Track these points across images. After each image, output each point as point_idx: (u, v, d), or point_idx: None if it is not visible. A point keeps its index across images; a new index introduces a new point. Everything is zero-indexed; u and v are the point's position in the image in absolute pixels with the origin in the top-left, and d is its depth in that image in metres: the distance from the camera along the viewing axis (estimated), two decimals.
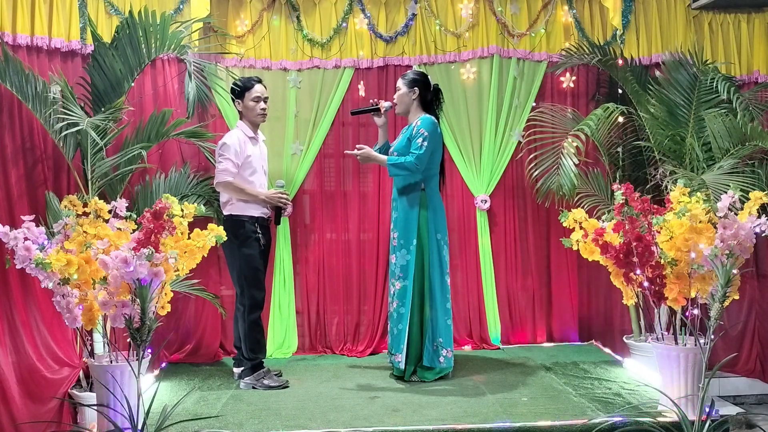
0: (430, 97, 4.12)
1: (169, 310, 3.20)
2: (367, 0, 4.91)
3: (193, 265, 3.34)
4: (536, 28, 5.01)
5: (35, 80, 4.01)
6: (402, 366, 3.99)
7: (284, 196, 4.09)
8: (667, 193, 3.81)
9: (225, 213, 4.04)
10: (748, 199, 3.16)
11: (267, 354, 4.75)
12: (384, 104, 4.19)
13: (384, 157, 4.05)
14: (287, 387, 3.95)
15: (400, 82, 4.13)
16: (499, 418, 3.28)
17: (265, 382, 3.96)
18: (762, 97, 4.88)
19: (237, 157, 3.95)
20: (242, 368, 4.07)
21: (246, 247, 3.98)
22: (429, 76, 4.18)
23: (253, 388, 3.95)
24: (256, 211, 4.03)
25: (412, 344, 4.01)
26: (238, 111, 4.14)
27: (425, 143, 3.92)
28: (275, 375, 4.05)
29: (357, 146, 4.07)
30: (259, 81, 4.11)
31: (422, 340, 4.03)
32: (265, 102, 4.11)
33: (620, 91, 4.91)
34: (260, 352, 4.05)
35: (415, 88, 4.07)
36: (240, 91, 4.06)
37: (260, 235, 4.04)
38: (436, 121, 4.06)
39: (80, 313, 3.08)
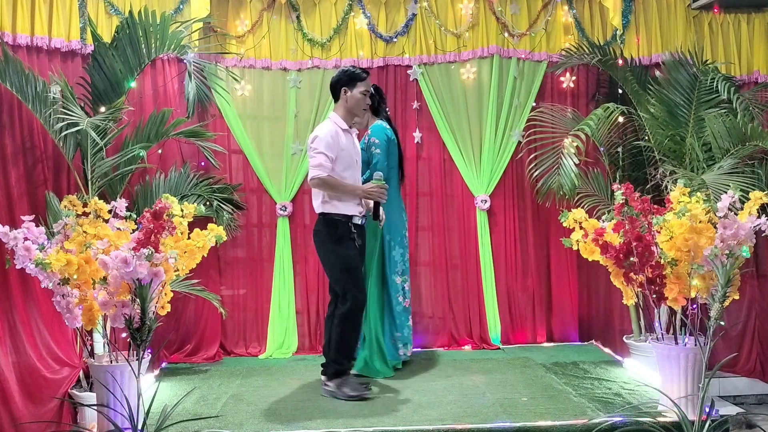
0: (376, 102, 4.16)
1: (169, 310, 3.20)
2: (367, 0, 4.91)
3: (193, 265, 3.35)
4: (536, 28, 5.01)
5: (35, 80, 4.01)
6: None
7: (384, 189, 3.75)
8: (667, 193, 3.81)
9: (318, 211, 3.76)
10: (748, 199, 3.16)
11: (267, 354, 4.78)
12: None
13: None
14: (368, 399, 3.66)
15: None
16: (499, 418, 3.28)
17: (345, 390, 3.68)
18: (762, 97, 4.88)
19: (331, 151, 3.63)
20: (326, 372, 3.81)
21: (343, 247, 3.71)
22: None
23: (334, 396, 3.69)
24: (352, 209, 3.73)
25: (372, 340, 4.14)
26: (338, 100, 3.80)
27: (378, 151, 4.09)
28: (361, 385, 3.77)
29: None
30: (369, 73, 3.86)
31: (382, 336, 4.18)
32: (369, 98, 3.87)
33: (620, 91, 4.91)
34: (351, 357, 3.82)
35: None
36: (350, 79, 3.75)
37: (356, 235, 3.75)
38: (384, 125, 4.18)
39: (80, 313, 3.08)
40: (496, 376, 4.09)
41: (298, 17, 4.87)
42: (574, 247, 3.72)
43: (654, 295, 3.30)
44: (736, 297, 3.16)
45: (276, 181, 4.89)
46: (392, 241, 4.25)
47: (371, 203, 3.80)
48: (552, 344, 5.01)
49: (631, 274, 3.35)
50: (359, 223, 3.78)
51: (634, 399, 3.57)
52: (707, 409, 3.05)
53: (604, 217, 3.78)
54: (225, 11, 4.84)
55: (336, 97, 3.80)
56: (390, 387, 3.91)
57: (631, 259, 3.28)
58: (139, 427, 2.95)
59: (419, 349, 4.90)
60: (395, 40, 4.94)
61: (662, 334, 3.46)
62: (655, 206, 3.43)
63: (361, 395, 3.65)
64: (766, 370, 4.80)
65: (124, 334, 3.09)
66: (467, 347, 4.93)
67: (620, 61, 4.83)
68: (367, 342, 4.18)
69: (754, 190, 3.26)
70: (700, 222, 3.16)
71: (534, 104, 4.99)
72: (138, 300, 2.91)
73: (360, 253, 3.84)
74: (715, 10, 4.90)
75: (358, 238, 3.78)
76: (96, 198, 3.63)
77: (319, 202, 3.73)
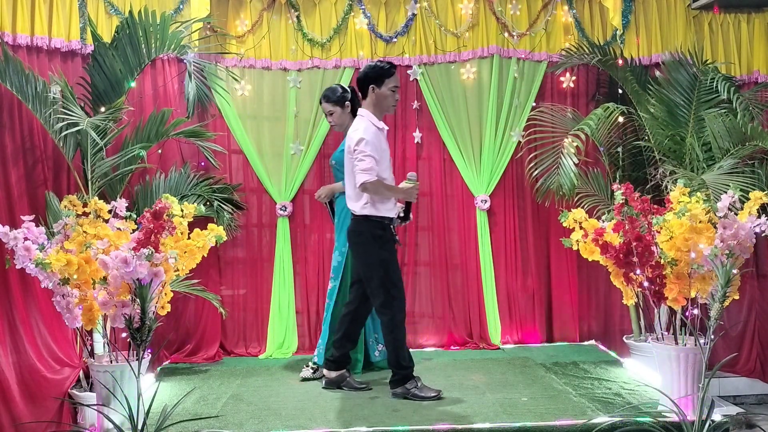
0: (354, 102, 4.09)
1: (169, 310, 3.20)
2: (367, 0, 4.91)
3: (193, 265, 3.35)
4: (536, 28, 5.01)
5: (35, 80, 4.00)
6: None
7: (417, 189, 3.72)
8: (667, 193, 3.81)
9: (359, 213, 3.64)
10: (748, 199, 3.16)
11: (267, 354, 4.78)
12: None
13: (339, 184, 4.08)
14: (441, 398, 3.62)
15: (329, 106, 4.06)
16: (499, 418, 3.28)
17: (416, 392, 3.63)
18: (762, 97, 4.87)
19: (376, 152, 3.54)
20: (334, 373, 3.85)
21: (385, 250, 3.64)
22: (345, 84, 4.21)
23: (405, 398, 3.65)
24: (391, 211, 3.68)
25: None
26: (366, 97, 3.69)
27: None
28: (428, 387, 3.70)
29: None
30: (396, 68, 3.74)
31: (365, 335, 4.24)
32: (398, 94, 3.76)
33: (620, 91, 4.91)
34: (411, 360, 3.71)
35: (346, 102, 4.07)
36: (378, 76, 3.62)
37: (394, 236, 3.70)
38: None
39: (80, 313, 3.08)
40: (496, 376, 4.09)
41: (298, 17, 4.87)
42: (574, 247, 3.72)
43: (654, 296, 3.30)
44: (736, 297, 3.16)
45: (276, 181, 4.89)
46: None
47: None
48: (552, 344, 5.01)
49: (631, 274, 3.35)
50: (396, 224, 3.76)
51: (634, 399, 3.57)
52: (707, 410, 3.05)
53: (604, 217, 3.78)
54: (225, 11, 4.84)
55: (364, 95, 3.69)
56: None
57: (632, 259, 3.28)
58: (139, 427, 2.95)
59: (420, 349, 4.90)
60: (395, 40, 4.94)
61: (662, 334, 3.46)
62: (655, 206, 3.43)
63: (437, 396, 3.62)
64: (766, 370, 4.80)
65: (124, 334, 3.09)
66: (467, 347, 4.93)
67: (620, 61, 4.83)
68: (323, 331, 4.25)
69: (754, 190, 3.26)
70: (700, 222, 3.16)
71: (534, 104, 4.99)
72: (138, 300, 2.91)
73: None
74: (715, 10, 4.90)
75: (395, 237, 3.75)
76: (96, 198, 3.63)
77: (360, 204, 3.61)
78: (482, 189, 4.97)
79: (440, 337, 5.01)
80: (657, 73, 4.79)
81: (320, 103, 4.19)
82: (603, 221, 3.68)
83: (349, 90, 4.11)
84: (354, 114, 4.05)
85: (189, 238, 3.29)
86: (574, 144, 4.53)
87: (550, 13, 5.01)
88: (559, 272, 5.07)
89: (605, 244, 3.44)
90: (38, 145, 4.20)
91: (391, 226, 3.68)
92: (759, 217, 3.06)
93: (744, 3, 4.93)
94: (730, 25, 5.02)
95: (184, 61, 4.44)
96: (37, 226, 3.13)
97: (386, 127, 3.78)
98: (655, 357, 3.43)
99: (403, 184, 3.68)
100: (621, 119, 4.78)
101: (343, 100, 4.06)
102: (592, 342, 5.02)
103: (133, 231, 3.22)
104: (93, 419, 3.45)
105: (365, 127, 3.57)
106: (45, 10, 4.25)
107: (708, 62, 4.67)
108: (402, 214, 3.80)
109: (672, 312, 3.42)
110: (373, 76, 3.62)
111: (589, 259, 3.69)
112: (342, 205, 4.06)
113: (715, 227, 3.07)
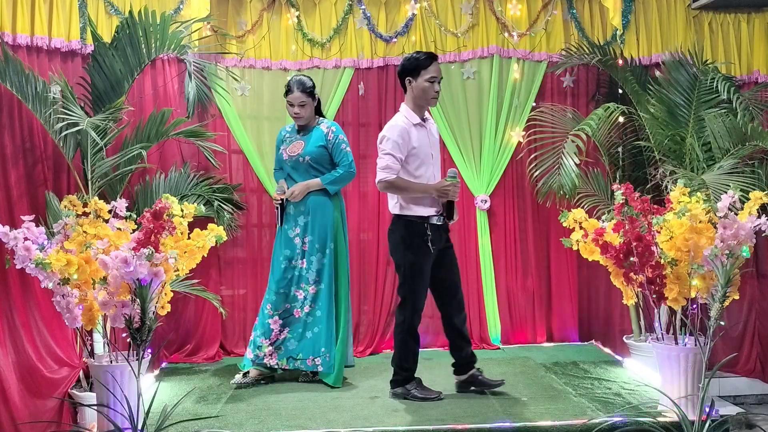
0: (319, 102, 4.13)
1: (169, 310, 3.20)
2: (367, 0, 4.91)
3: (193, 265, 3.35)
4: (536, 28, 5.00)
5: (35, 80, 4.00)
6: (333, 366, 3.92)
7: (457, 186, 3.56)
8: (667, 193, 3.81)
9: (393, 213, 3.61)
10: (748, 199, 3.16)
11: None
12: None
13: (317, 181, 3.97)
14: (441, 399, 3.62)
15: (303, 96, 3.93)
16: (499, 418, 3.28)
17: (416, 393, 3.63)
18: (762, 97, 4.87)
19: (399, 151, 3.48)
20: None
21: (412, 253, 3.53)
22: None
23: (405, 398, 3.64)
24: (427, 209, 3.54)
25: (338, 347, 3.98)
26: (405, 92, 3.64)
27: (348, 148, 4.05)
28: (429, 389, 3.69)
29: (279, 193, 4.00)
30: (436, 58, 3.61)
31: (340, 341, 4.02)
32: (439, 84, 3.61)
33: (620, 91, 4.90)
34: (406, 369, 3.69)
35: (315, 95, 4.03)
36: (414, 68, 3.53)
37: (430, 237, 3.52)
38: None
39: (80, 313, 3.08)
40: (495, 377, 4.08)
41: (298, 17, 4.87)
42: (574, 247, 3.72)
43: (654, 295, 3.29)
44: (736, 297, 3.16)
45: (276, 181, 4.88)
46: (346, 242, 4.21)
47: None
48: (552, 344, 5.01)
49: (631, 274, 3.35)
50: (437, 223, 3.57)
51: (634, 399, 3.57)
52: (707, 409, 3.05)
53: (604, 217, 3.77)
54: (225, 11, 4.83)
55: (404, 89, 3.63)
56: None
57: (631, 259, 3.28)
58: (139, 427, 2.95)
59: (420, 349, 4.90)
60: (395, 40, 4.94)
61: (662, 334, 3.45)
62: (655, 206, 3.42)
63: (437, 396, 3.62)
64: (766, 370, 4.80)
65: (124, 334, 3.09)
66: None
67: (620, 61, 4.83)
68: (341, 338, 4.05)
69: (754, 189, 3.26)
70: (700, 222, 3.16)
71: (534, 104, 4.99)
72: (138, 300, 2.90)
73: (443, 257, 3.63)
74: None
75: (437, 241, 3.56)
76: (96, 198, 3.63)
77: (394, 203, 3.58)
78: (482, 189, 4.97)
79: (440, 337, 4.98)
80: (657, 73, 4.79)
81: (288, 93, 3.96)
82: (603, 221, 3.67)
83: (313, 84, 4.04)
84: (317, 112, 4.07)
85: (189, 238, 3.29)
86: (575, 144, 4.53)
87: (550, 13, 5.01)
88: (559, 272, 5.07)
89: (605, 244, 3.44)
90: (38, 145, 4.20)
91: (428, 225, 3.52)
92: (759, 217, 3.06)
93: (744, 3, 4.92)
94: (730, 25, 5.02)
95: (184, 61, 4.44)
96: (37, 226, 3.12)
97: (431, 122, 3.71)
98: (655, 357, 3.42)
99: (440, 182, 3.59)
100: (621, 119, 4.78)
101: (314, 93, 4.02)
102: (592, 342, 5.02)
103: (133, 231, 3.22)
104: (93, 419, 3.45)
105: (393, 125, 3.55)
106: (45, 10, 4.24)
107: (708, 62, 4.67)
108: (444, 213, 3.60)
109: (672, 312, 3.41)
110: (409, 68, 3.55)
111: (589, 259, 3.69)
112: (316, 203, 3.98)
113: (715, 227, 3.07)
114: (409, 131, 3.53)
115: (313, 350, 3.95)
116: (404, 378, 3.67)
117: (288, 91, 3.98)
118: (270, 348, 3.99)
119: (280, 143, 4.15)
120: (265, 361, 3.99)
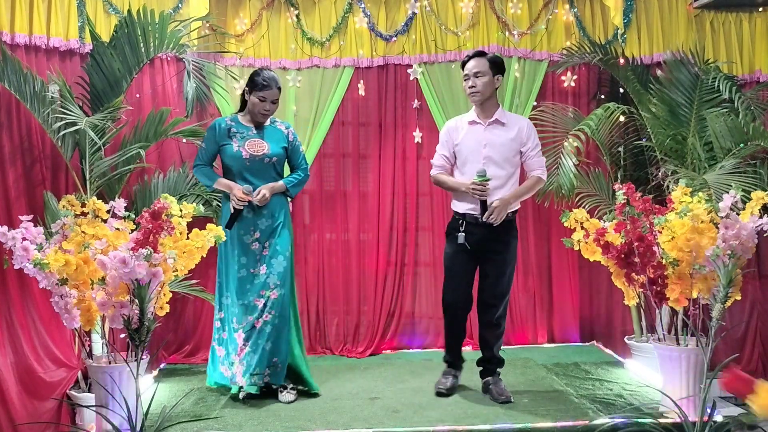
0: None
1: (168, 310, 3.19)
2: None
3: (192, 266, 3.33)
4: (537, 27, 4.99)
5: (33, 80, 3.99)
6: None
7: (483, 186, 3.50)
8: (669, 192, 3.79)
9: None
10: (750, 198, 3.15)
11: None
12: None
13: (281, 183, 3.73)
14: (444, 395, 3.69)
15: (278, 93, 3.69)
16: (499, 419, 3.26)
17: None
18: (764, 96, 4.85)
19: (443, 148, 3.69)
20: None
21: (447, 241, 3.73)
22: None
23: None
24: (464, 206, 3.61)
25: (297, 356, 3.77)
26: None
27: (303, 149, 4.02)
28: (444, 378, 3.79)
29: (247, 194, 3.60)
30: (471, 57, 3.61)
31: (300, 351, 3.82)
32: (474, 79, 3.56)
33: (621, 90, 4.89)
34: (447, 352, 3.85)
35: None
36: (462, 67, 3.62)
37: (461, 233, 3.57)
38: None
39: (78, 313, 3.06)
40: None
41: (297, 16, 4.86)
42: (576, 248, 3.71)
43: (656, 296, 3.28)
44: (738, 297, 3.15)
45: None
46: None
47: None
48: (553, 345, 5.00)
49: (633, 274, 3.34)
50: (473, 221, 3.58)
51: (636, 400, 3.56)
52: (709, 410, 3.04)
53: (605, 217, 3.77)
54: (224, 10, 4.82)
55: None
56: (390, 388, 3.90)
57: (633, 259, 3.26)
58: (138, 428, 2.94)
59: (420, 350, 4.89)
60: (395, 39, 4.92)
61: (664, 335, 3.44)
62: (657, 206, 3.41)
63: (438, 390, 3.73)
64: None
65: (122, 335, 3.08)
66: (467, 347, 4.90)
67: (621, 61, 4.82)
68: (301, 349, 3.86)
69: (756, 189, 3.25)
70: (701, 222, 3.15)
71: (535, 103, 4.97)
72: (136, 300, 2.89)
73: (484, 263, 3.66)
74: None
75: (476, 239, 3.57)
76: (94, 198, 3.61)
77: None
78: None
79: (440, 338, 4.98)
80: (658, 72, 4.77)
81: (263, 88, 3.64)
82: (604, 221, 3.66)
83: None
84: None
85: (188, 238, 3.27)
86: (575, 144, 4.51)
87: (551, 11, 5.00)
88: (560, 272, 5.06)
89: (607, 244, 3.43)
90: (36, 144, 4.19)
91: (461, 222, 3.59)
92: (761, 217, 3.04)
93: (745, 2, 4.91)
94: (731, 24, 5.00)
95: (183, 60, 4.42)
96: (35, 226, 3.11)
97: (502, 118, 3.62)
98: (656, 358, 3.41)
99: (468, 182, 3.55)
100: (622, 119, 4.77)
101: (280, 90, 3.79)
102: (594, 343, 5.01)
103: (132, 231, 3.20)
104: (91, 420, 3.44)
105: (451, 120, 3.78)
106: (43, 9, 4.23)
107: (709, 61, 4.66)
108: (480, 211, 3.56)
109: (674, 312, 3.40)
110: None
111: (591, 260, 3.68)
112: (279, 205, 3.73)
113: (717, 227, 3.06)
114: (458, 128, 3.67)
115: (269, 361, 3.63)
116: (446, 362, 3.83)
117: (263, 86, 3.63)
118: (239, 365, 3.66)
119: (223, 136, 3.70)
120: (236, 380, 3.66)
